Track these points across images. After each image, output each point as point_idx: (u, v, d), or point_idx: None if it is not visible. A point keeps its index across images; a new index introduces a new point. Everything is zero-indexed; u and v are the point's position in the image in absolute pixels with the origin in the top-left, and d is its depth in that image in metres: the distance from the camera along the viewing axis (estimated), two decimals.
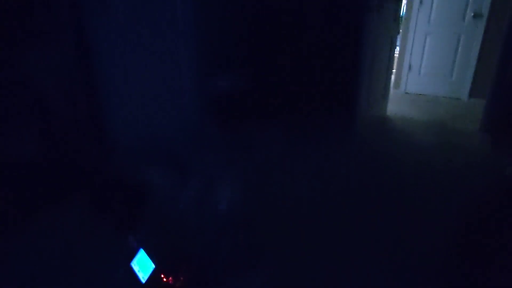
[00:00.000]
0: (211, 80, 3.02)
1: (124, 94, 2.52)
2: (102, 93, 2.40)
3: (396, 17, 3.58)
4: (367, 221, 1.83)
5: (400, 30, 4.79)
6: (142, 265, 1.36)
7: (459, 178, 2.29)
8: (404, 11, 4.74)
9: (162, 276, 1.29)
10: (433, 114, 3.92)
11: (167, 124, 2.78)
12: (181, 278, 1.31)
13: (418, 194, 2.12)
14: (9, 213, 1.84)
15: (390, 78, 3.90)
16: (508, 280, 0.89)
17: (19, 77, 1.89)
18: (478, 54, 4.25)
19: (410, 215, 1.89)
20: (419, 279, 1.38)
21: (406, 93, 4.99)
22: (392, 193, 2.15)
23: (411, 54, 4.78)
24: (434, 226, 1.72)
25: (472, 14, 4.17)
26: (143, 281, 1.31)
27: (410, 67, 4.85)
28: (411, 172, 2.47)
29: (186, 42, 2.59)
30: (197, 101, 2.96)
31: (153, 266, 1.32)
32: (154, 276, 1.29)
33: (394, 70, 4.96)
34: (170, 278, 1.30)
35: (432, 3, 4.45)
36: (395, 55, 4.01)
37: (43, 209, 1.96)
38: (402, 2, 3.86)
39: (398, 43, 4.70)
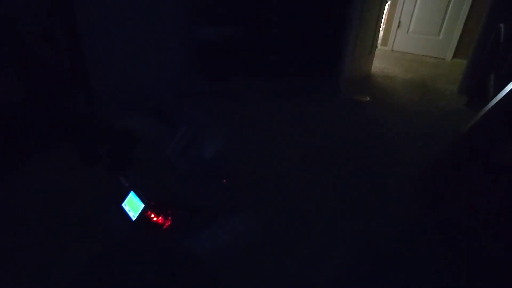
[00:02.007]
0: (198, 30, 2.92)
1: (111, 41, 2.44)
2: (88, 41, 2.31)
3: None
4: (349, 171, 1.97)
5: None
6: (133, 205, 1.45)
7: (434, 135, 2.44)
8: None
9: (152, 215, 1.39)
10: (416, 73, 4.00)
11: (155, 72, 2.74)
12: (169, 218, 1.41)
13: (397, 148, 2.26)
14: None
15: (378, 34, 3.87)
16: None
17: None
18: (466, 15, 4.24)
19: (389, 165, 2.04)
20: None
21: (393, 50, 5.00)
22: (373, 144, 2.29)
23: (401, 11, 4.70)
24: (406, 174, 1.87)
25: None
26: (133, 219, 1.40)
27: (399, 25, 4.80)
28: (391, 127, 2.59)
29: None
30: (184, 50, 2.90)
31: (143, 205, 1.41)
32: (143, 214, 1.38)
33: (383, 27, 4.91)
34: (161, 217, 1.40)
35: None
36: (385, 11, 3.95)
37: (34, 155, 1.98)
38: None
39: None
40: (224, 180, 1.61)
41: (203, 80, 3.02)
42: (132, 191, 1.48)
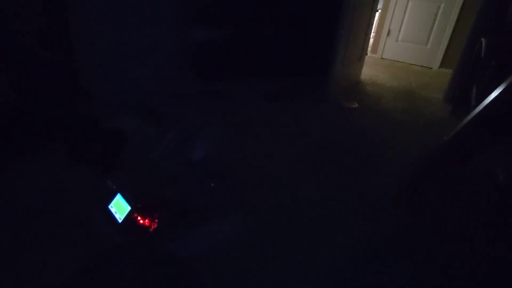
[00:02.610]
0: (192, 30, 2.93)
1: (103, 41, 2.42)
2: (79, 40, 2.30)
3: None
4: (337, 177, 2.01)
5: None
6: (119, 208, 1.45)
7: (419, 142, 2.50)
8: None
9: (138, 217, 1.39)
10: (404, 81, 4.09)
11: (146, 72, 2.73)
12: (156, 221, 1.42)
13: (383, 154, 2.32)
14: None
15: (368, 41, 3.94)
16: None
17: None
18: (453, 27, 4.35)
19: (375, 169, 2.08)
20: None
21: (383, 58, 5.09)
22: (359, 150, 2.34)
23: (391, 19, 4.79)
24: (392, 177, 1.92)
25: None
26: (120, 221, 1.41)
27: (389, 33, 4.89)
28: (377, 133, 2.65)
29: None
30: (177, 51, 2.91)
31: (129, 208, 1.41)
32: (129, 216, 1.39)
33: (373, 34, 4.99)
34: (147, 220, 1.41)
35: None
36: (375, 19, 4.03)
37: (23, 156, 1.96)
38: None
39: (380, 6, 4.69)
40: (212, 184, 1.62)
41: (195, 81, 3.03)
42: (118, 193, 1.48)
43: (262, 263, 1.38)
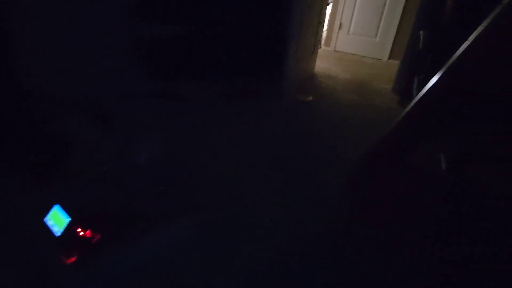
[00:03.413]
0: (141, 27, 2.78)
1: (42, 36, 2.21)
2: (16, 34, 2.08)
3: None
4: (291, 172, 2.01)
5: None
6: (57, 220, 1.33)
7: (369, 134, 2.59)
8: None
9: (78, 229, 1.29)
10: (356, 73, 4.22)
11: (92, 71, 2.55)
12: (99, 231, 1.32)
13: (337, 142, 2.37)
14: None
15: (321, 35, 4.01)
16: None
17: None
18: (399, 19, 4.56)
19: (328, 164, 2.12)
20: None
21: (335, 51, 5.22)
22: (314, 144, 2.36)
23: (342, 13, 4.92)
24: (345, 165, 1.97)
25: None
26: (58, 234, 1.29)
27: (340, 26, 5.02)
28: (332, 126, 2.70)
29: None
30: (124, 48, 2.74)
31: (69, 219, 1.30)
32: (69, 229, 1.28)
33: (326, 28, 5.09)
34: (88, 231, 1.31)
35: None
36: (327, 12, 4.10)
37: None
38: None
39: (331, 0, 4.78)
40: (161, 187, 1.55)
41: (145, 80, 2.89)
42: (56, 204, 1.36)
43: (212, 268, 1.34)
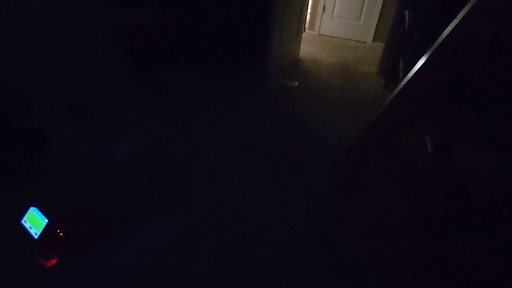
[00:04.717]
0: (117, 13, 2.64)
1: (12, 25, 2.06)
2: None
3: None
4: (278, 162, 1.97)
5: None
6: (34, 221, 1.27)
7: (356, 114, 2.57)
8: None
9: (58, 230, 1.23)
10: (340, 57, 4.18)
11: (66, 60, 2.41)
12: (79, 231, 1.26)
13: (322, 128, 2.34)
14: None
15: (304, 18, 3.93)
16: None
17: None
18: (382, 0, 4.51)
19: (315, 152, 2.09)
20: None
21: (320, 34, 5.15)
22: (300, 130, 2.33)
23: None
24: (332, 152, 1.94)
25: None
26: (36, 236, 1.23)
27: (324, 9, 4.94)
28: (317, 111, 2.67)
29: None
30: (101, 36, 2.60)
31: (46, 221, 1.23)
32: (47, 231, 1.21)
33: (309, 11, 5.00)
34: (69, 232, 1.24)
35: None
36: None
37: None
38: None
39: None
40: (144, 182, 1.49)
41: (123, 69, 2.76)
42: (33, 205, 1.29)
43: (199, 266, 1.30)
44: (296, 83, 3.20)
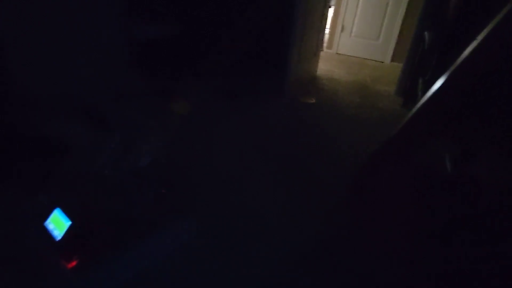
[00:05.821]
0: (137, 26, 2.78)
1: (33, 34, 2.19)
2: (6, 38, 2.06)
3: None
4: (293, 173, 1.98)
5: None
6: (57, 223, 1.32)
7: (372, 136, 2.56)
8: None
9: (79, 233, 1.27)
10: (358, 76, 4.20)
11: (87, 71, 2.53)
12: (100, 236, 1.30)
13: (340, 143, 2.34)
14: None
15: (323, 37, 4.00)
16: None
17: None
18: (401, 21, 4.55)
19: (330, 165, 2.09)
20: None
21: (338, 53, 5.20)
22: (316, 145, 2.34)
23: (344, 15, 4.91)
24: (349, 166, 1.94)
25: None
26: (59, 238, 1.27)
27: (342, 28, 5.01)
28: (334, 127, 2.68)
29: None
30: (121, 48, 2.73)
31: (70, 222, 1.28)
32: (70, 233, 1.26)
33: (328, 30, 5.09)
34: (88, 234, 1.29)
35: None
36: (329, 14, 4.09)
37: None
38: None
39: (333, 2, 4.78)
40: (163, 190, 1.53)
41: (143, 79, 2.87)
42: (57, 208, 1.34)
43: (214, 272, 1.32)
44: (314, 100, 3.24)
